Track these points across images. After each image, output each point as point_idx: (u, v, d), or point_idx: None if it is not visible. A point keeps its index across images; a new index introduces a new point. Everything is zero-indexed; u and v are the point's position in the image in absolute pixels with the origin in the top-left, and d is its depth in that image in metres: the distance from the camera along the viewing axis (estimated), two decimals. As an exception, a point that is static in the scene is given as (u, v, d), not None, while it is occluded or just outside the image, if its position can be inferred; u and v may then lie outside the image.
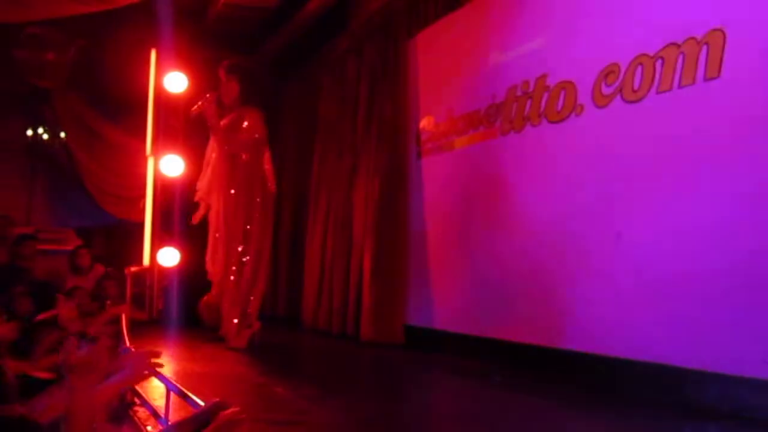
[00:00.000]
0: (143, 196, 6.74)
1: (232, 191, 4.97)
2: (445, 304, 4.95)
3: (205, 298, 5.27)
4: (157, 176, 6.58)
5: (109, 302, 5.50)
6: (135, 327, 4.99)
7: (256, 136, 5.01)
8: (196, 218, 5.28)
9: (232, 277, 4.92)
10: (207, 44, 6.81)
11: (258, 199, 4.97)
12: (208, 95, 5.00)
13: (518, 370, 4.11)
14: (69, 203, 8.34)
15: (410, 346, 5.13)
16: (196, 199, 5.26)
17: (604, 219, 3.65)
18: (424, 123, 5.29)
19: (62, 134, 8.25)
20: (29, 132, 8.46)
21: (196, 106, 5.05)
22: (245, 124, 5.01)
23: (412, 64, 5.44)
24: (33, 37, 7.04)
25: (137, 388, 3.10)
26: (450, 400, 3.78)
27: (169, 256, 6.35)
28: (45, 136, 8.47)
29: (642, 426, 3.07)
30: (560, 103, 3.96)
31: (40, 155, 8.47)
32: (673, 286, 3.26)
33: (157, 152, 6.60)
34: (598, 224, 3.67)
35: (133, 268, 6.22)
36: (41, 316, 4.15)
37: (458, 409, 3.47)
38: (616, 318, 3.53)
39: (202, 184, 5.23)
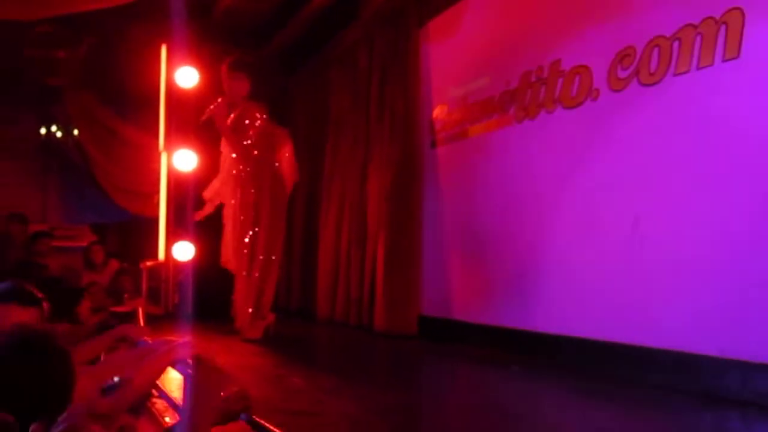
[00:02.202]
0: (157, 191, 6.77)
1: (244, 186, 4.95)
2: (461, 294, 4.93)
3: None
4: (171, 171, 6.59)
5: (126, 296, 5.55)
6: (150, 321, 5.00)
7: (261, 131, 4.97)
8: (200, 215, 5.25)
9: (244, 272, 4.92)
10: (216, 38, 6.80)
11: (268, 193, 4.95)
12: (219, 100, 4.96)
13: (538, 360, 4.08)
14: (83, 200, 8.41)
15: (425, 336, 5.11)
16: (204, 197, 5.22)
17: (622, 203, 3.60)
18: (438, 112, 5.25)
19: (75, 132, 8.29)
20: (42, 130, 8.51)
21: (206, 112, 5.01)
22: (251, 120, 4.96)
23: (424, 53, 5.40)
24: (44, 35, 7.07)
25: (154, 379, 3.10)
26: (468, 390, 3.76)
27: (184, 251, 6.36)
28: (58, 134, 8.51)
29: (662, 415, 3.03)
30: (575, 88, 3.90)
31: (53, 153, 8.53)
32: (693, 272, 3.21)
33: (169, 147, 6.61)
34: (616, 209, 3.62)
35: (149, 263, 6.24)
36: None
37: (476, 399, 3.44)
38: (636, 306, 3.48)
39: (213, 184, 5.19)
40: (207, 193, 5.20)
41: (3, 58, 7.17)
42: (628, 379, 3.46)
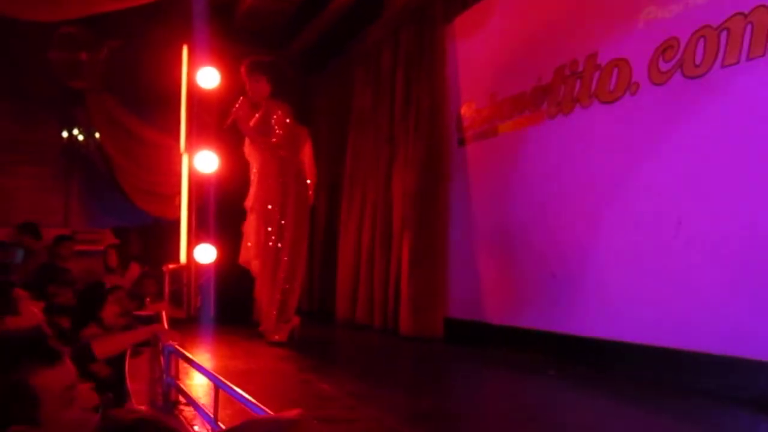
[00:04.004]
0: (178, 193, 6.70)
1: (269, 186, 4.86)
2: (491, 296, 4.79)
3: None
4: (192, 173, 6.52)
5: (148, 300, 5.48)
6: (173, 324, 4.93)
7: (287, 131, 4.88)
8: (246, 226, 5.12)
9: (269, 273, 4.82)
10: (238, 39, 6.74)
11: (293, 194, 4.85)
12: (241, 99, 4.86)
13: (574, 364, 3.93)
14: (105, 203, 8.37)
15: (453, 339, 4.98)
16: (246, 206, 5.09)
17: (663, 203, 3.44)
18: (465, 109, 5.13)
19: (96, 135, 8.26)
20: (65, 134, 8.50)
21: (231, 114, 4.92)
22: (275, 119, 4.87)
23: (451, 49, 5.27)
24: (66, 37, 7.05)
25: (182, 386, 3.01)
26: (503, 395, 3.63)
27: (206, 253, 6.29)
28: (80, 138, 8.50)
29: (712, 422, 2.88)
30: (613, 82, 3.76)
31: (75, 156, 8.51)
32: (737, 276, 3.05)
33: (191, 149, 6.55)
34: (657, 209, 3.47)
35: (171, 266, 6.17)
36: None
37: (512, 406, 3.31)
38: (680, 309, 3.32)
39: (251, 192, 5.07)
40: (248, 203, 5.07)
41: (26, 60, 7.17)
42: (669, 384, 3.32)
